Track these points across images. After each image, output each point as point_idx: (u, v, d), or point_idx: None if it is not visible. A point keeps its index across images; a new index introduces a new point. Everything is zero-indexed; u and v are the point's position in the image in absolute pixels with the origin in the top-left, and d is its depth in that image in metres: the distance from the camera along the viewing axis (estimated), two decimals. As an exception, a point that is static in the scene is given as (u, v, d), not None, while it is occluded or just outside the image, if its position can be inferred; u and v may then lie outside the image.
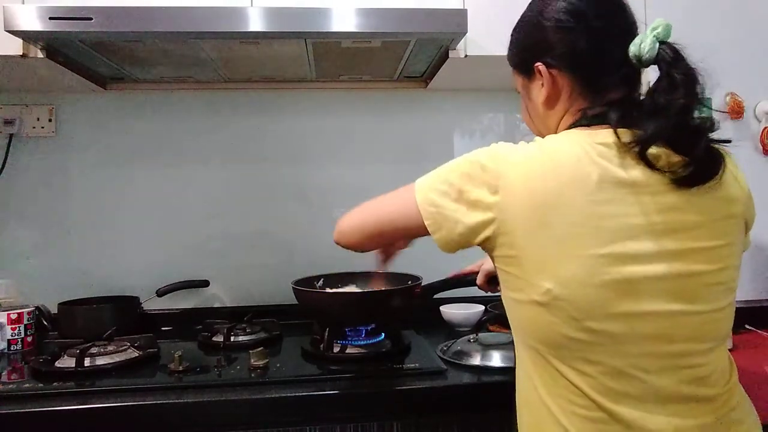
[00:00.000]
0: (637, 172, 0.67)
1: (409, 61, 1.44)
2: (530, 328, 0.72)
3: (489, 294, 1.17)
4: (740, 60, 1.47)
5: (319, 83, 1.64)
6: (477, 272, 1.15)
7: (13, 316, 1.35)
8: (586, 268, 0.66)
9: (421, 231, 0.76)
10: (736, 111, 1.49)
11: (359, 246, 0.89)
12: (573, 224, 0.66)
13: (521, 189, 0.68)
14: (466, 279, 1.17)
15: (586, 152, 0.68)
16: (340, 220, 0.89)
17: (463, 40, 1.29)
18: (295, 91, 1.65)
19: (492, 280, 1.12)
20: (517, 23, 0.85)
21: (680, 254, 0.67)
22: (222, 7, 1.16)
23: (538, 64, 0.79)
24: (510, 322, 0.77)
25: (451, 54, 1.32)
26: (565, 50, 0.76)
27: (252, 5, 1.24)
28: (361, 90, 1.67)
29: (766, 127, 1.50)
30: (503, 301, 0.77)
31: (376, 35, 1.21)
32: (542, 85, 0.79)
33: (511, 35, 0.86)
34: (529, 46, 0.82)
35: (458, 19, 1.18)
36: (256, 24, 1.14)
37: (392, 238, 0.84)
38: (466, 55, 1.32)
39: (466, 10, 1.20)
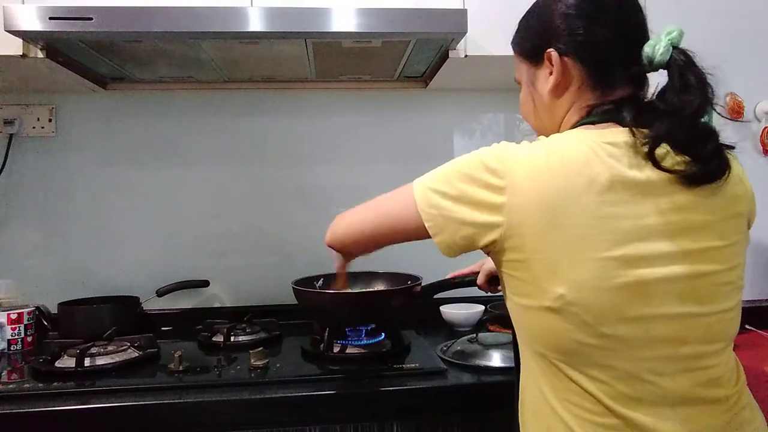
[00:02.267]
0: (646, 172, 0.66)
1: (409, 61, 1.44)
2: (540, 335, 0.70)
3: (489, 294, 1.17)
4: (740, 60, 1.47)
5: (319, 83, 1.64)
6: (477, 272, 1.15)
7: (13, 316, 1.35)
8: (600, 271, 0.64)
9: (422, 233, 0.74)
10: (736, 111, 1.48)
11: (353, 249, 0.88)
12: (585, 226, 0.64)
13: (529, 189, 0.66)
14: (466, 279, 1.17)
15: (595, 152, 0.67)
16: (333, 224, 0.88)
17: (463, 40, 1.29)
18: (295, 91, 1.65)
19: (492, 280, 1.12)
20: (531, 9, 0.83)
21: (691, 255, 0.66)
22: (222, 7, 1.16)
23: (551, 50, 0.76)
24: (516, 329, 0.75)
25: (451, 54, 1.32)
26: (582, 39, 0.74)
27: (252, 5, 1.24)
28: (361, 90, 1.67)
29: (766, 127, 1.50)
30: (508, 308, 0.75)
31: (376, 35, 1.21)
32: (550, 73, 0.77)
33: (521, 21, 0.84)
34: (542, 31, 0.79)
35: (458, 19, 1.18)
36: (256, 24, 1.14)
37: (389, 242, 0.81)
38: (466, 55, 1.32)
39: (466, 10, 1.20)
